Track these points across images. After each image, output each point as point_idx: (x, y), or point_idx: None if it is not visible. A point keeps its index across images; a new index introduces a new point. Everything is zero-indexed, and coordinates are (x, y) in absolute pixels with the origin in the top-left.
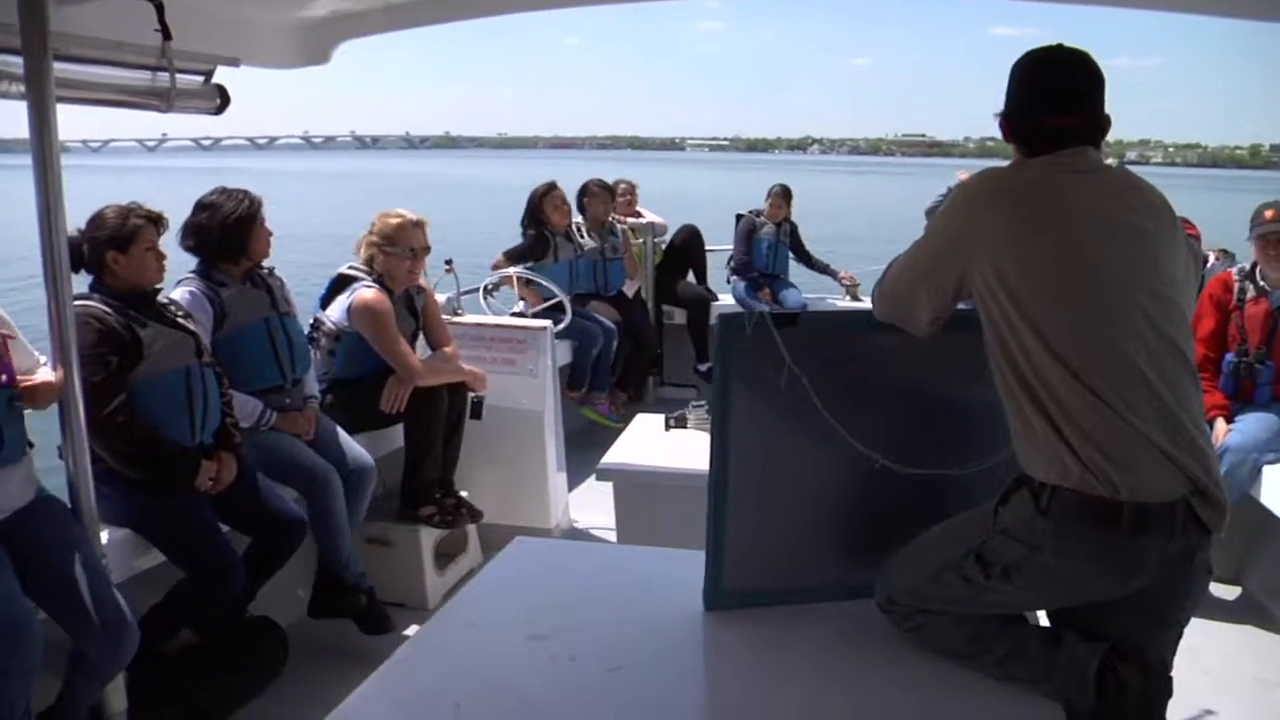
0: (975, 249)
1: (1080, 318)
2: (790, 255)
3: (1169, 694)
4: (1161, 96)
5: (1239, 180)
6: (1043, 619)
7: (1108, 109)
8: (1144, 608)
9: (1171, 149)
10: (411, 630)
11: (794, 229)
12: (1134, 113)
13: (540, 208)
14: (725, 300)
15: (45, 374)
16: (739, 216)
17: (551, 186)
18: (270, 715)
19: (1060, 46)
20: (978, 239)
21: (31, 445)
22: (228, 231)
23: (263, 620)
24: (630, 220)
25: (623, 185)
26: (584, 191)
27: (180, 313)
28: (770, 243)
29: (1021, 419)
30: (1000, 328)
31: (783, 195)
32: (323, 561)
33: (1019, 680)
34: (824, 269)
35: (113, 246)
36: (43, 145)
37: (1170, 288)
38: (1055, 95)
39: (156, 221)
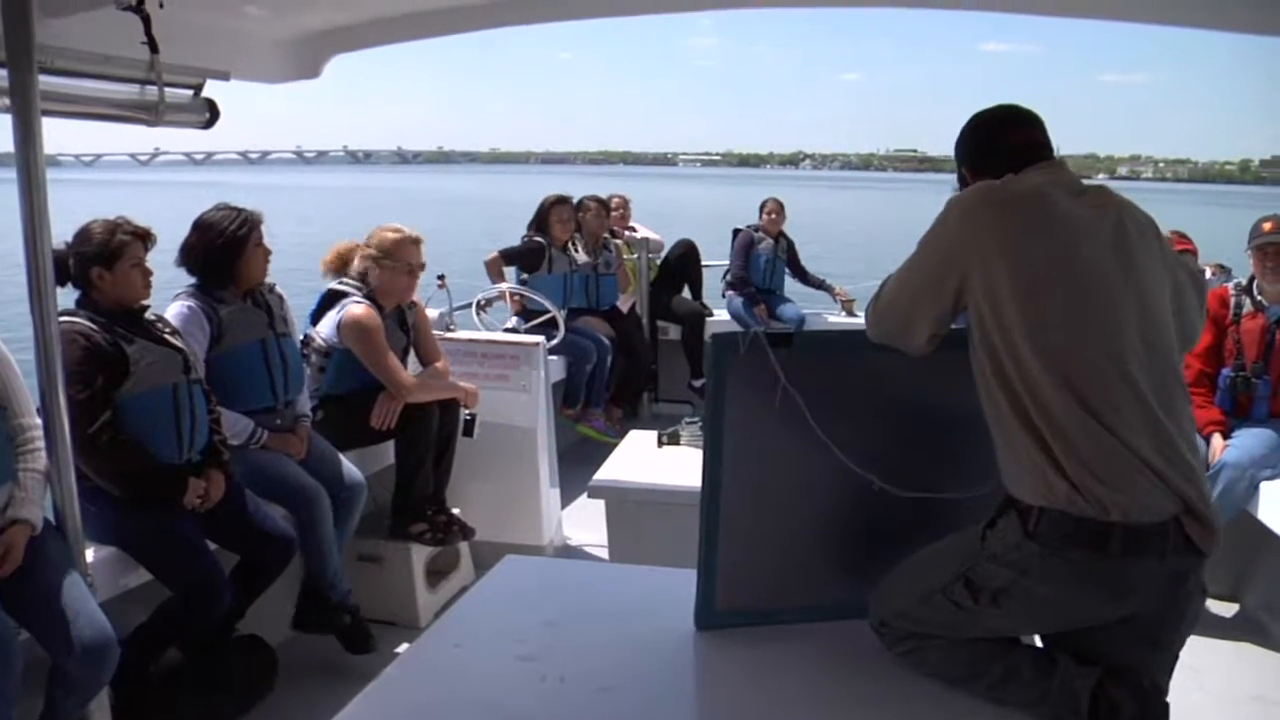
0: (971, 258)
1: (1074, 328)
2: (787, 271)
3: (1165, 718)
4: (1152, 112)
5: (1230, 196)
6: (1036, 639)
7: (1098, 126)
8: (1138, 631)
9: (1162, 164)
10: (403, 649)
11: (790, 245)
12: (1124, 128)
13: (547, 216)
14: (720, 315)
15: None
16: (736, 231)
17: (562, 199)
18: None
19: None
20: (973, 248)
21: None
22: (213, 255)
23: (251, 639)
24: (625, 235)
25: (616, 200)
26: (579, 207)
27: (168, 329)
28: (768, 258)
29: (1008, 439)
30: (993, 338)
31: (779, 207)
32: (309, 577)
33: (1013, 704)
34: (820, 285)
35: (98, 263)
36: (28, 159)
37: (1158, 302)
38: (1014, 116)
39: (144, 238)
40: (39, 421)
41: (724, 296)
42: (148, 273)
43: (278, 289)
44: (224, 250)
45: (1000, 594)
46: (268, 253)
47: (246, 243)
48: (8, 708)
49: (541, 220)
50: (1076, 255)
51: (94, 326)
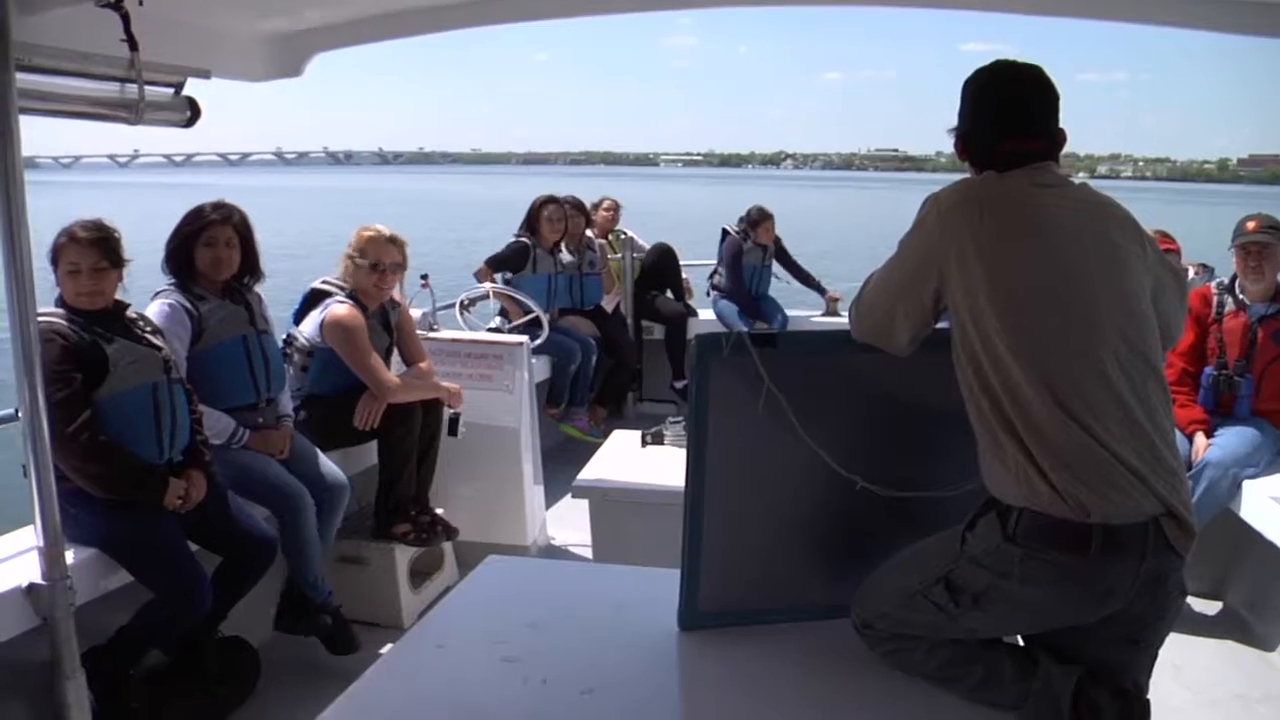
0: (950, 260)
1: (1053, 331)
2: (774, 275)
3: (1146, 718)
4: (1131, 112)
5: (1209, 194)
6: (1018, 638)
7: (1078, 125)
8: (1118, 630)
9: (1141, 163)
10: (386, 650)
11: (779, 243)
12: (1104, 128)
13: (537, 216)
14: (705, 316)
15: None
16: (725, 232)
17: (551, 200)
18: None
19: (1014, 63)
20: (952, 250)
21: None
22: (174, 244)
23: (234, 640)
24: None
25: (607, 202)
26: None
27: (149, 328)
28: (756, 265)
29: (991, 440)
30: (973, 341)
31: (772, 223)
32: (290, 579)
33: (996, 705)
34: (811, 283)
35: (52, 262)
36: (5, 158)
37: (1140, 301)
38: (1016, 118)
39: (80, 242)
40: None
41: (709, 295)
42: (93, 281)
43: (256, 287)
44: (179, 242)
45: (981, 596)
46: (230, 249)
47: (199, 236)
48: None
49: (532, 220)
50: (1056, 257)
51: (71, 326)
